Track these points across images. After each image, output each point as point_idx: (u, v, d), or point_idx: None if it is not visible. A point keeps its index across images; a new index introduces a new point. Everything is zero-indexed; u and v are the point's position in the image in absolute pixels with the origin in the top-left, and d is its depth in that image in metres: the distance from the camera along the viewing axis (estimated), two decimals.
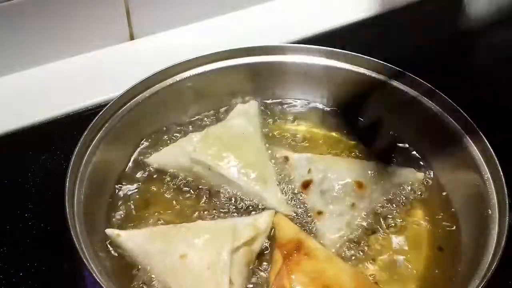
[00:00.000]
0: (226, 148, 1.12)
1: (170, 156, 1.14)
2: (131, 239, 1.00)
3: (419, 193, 1.12)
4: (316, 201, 1.09)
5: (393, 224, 1.08)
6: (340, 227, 1.05)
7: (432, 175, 1.15)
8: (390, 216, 1.09)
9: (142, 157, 1.17)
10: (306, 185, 1.11)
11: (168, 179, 1.13)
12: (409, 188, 1.12)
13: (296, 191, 1.12)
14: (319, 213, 1.07)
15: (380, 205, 1.09)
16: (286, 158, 1.16)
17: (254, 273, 1.00)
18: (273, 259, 1.01)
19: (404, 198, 1.11)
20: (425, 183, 1.14)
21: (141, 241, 1.00)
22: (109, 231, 1.02)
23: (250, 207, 1.09)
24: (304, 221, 1.08)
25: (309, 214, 1.08)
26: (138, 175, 1.14)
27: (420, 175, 1.14)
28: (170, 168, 1.14)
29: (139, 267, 0.99)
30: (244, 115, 1.22)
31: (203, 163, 1.10)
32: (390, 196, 1.10)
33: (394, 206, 1.10)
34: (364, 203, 1.08)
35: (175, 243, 0.98)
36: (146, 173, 1.15)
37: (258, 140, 1.18)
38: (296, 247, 1.00)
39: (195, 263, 0.95)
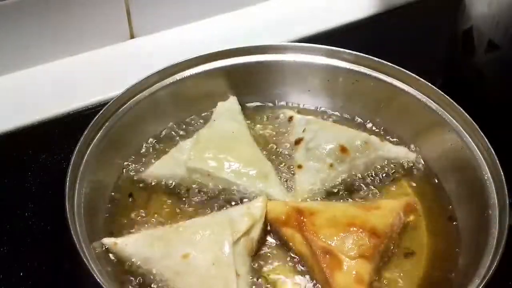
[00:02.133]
0: (220, 150, 1.12)
1: (165, 168, 1.13)
2: (128, 246, 0.99)
3: (404, 168, 1.16)
4: (300, 156, 1.15)
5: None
6: (314, 182, 1.11)
7: (432, 174, 1.16)
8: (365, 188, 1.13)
9: (144, 153, 1.17)
10: (297, 142, 1.18)
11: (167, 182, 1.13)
12: (395, 165, 1.16)
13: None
14: (299, 166, 1.14)
15: (359, 174, 1.14)
16: (291, 118, 1.24)
17: (255, 261, 1.01)
18: (286, 239, 1.03)
19: (386, 173, 1.15)
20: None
21: (139, 246, 0.99)
22: (105, 240, 1.00)
23: (245, 199, 1.10)
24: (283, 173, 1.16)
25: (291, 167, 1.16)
26: (138, 175, 1.14)
27: (412, 155, 1.17)
28: (169, 180, 1.12)
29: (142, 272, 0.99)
30: (228, 114, 1.22)
31: (202, 170, 1.10)
32: (374, 169, 1.15)
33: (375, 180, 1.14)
34: (343, 167, 1.12)
35: (175, 244, 0.98)
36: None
37: (248, 136, 1.19)
38: (299, 214, 1.02)
39: (199, 261, 0.95)
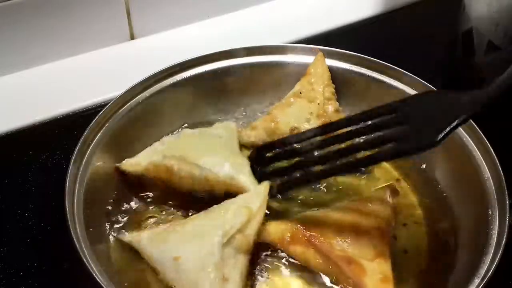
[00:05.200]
0: (200, 144, 1.11)
1: (143, 156, 1.12)
2: (136, 243, 1.01)
3: None
4: None
5: None
6: None
7: (431, 175, 1.15)
8: None
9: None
10: None
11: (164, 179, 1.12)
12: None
13: None
14: None
15: None
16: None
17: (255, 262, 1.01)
18: (297, 258, 1.01)
19: None
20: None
21: (144, 244, 0.99)
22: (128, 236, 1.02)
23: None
24: None
25: None
26: (138, 175, 1.14)
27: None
28: (143, 168, 1.10)
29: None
30: (223, 127, 1.19)
31: (176, 156, 1.07)
32: None
33: None
34: None
35: (169, 245, 0.97)
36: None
37: (235, 145, 1.16)
38: (304, 229, 1.00)
39: (188, 265, 0.94)
